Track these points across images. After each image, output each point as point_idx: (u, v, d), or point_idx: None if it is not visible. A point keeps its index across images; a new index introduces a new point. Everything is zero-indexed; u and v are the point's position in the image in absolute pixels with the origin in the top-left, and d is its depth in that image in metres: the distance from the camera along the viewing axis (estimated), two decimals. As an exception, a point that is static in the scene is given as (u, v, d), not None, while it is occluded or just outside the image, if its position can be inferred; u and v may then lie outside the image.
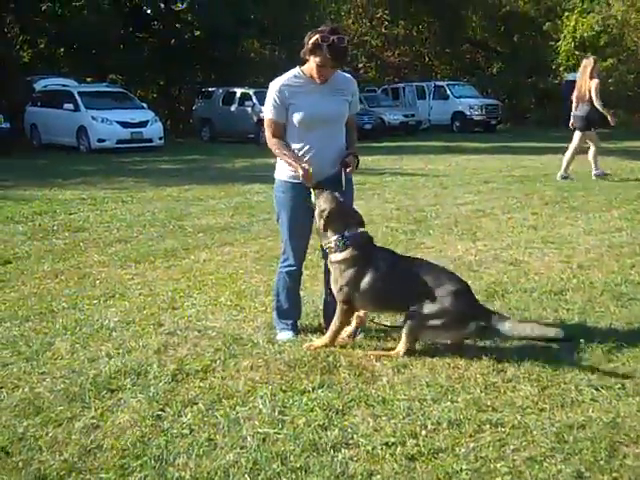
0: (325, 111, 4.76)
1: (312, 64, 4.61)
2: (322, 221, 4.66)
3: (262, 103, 21.74)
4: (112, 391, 4.13)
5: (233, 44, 32.89)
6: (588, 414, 3.76)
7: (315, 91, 4.72)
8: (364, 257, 4.66)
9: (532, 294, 6.00)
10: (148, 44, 34.61)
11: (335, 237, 4.67)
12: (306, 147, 4.78)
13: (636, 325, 5.18)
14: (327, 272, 4.93)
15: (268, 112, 4.82)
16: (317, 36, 4.48)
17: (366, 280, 4.61)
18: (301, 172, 4.61)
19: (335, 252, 4.68)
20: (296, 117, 4.73)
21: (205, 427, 3.69)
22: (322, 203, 4.66)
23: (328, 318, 4.97)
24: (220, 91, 28.89)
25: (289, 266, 5.07)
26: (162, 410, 3.87)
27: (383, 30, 45.33)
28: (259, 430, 3.63)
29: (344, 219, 4.70)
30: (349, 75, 5.02)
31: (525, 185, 13.27)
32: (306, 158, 4.73)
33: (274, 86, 4.75)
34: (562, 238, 8.32)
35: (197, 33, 34.60)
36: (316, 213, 4.70)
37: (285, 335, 5.06)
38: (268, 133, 4.85)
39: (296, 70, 4.78)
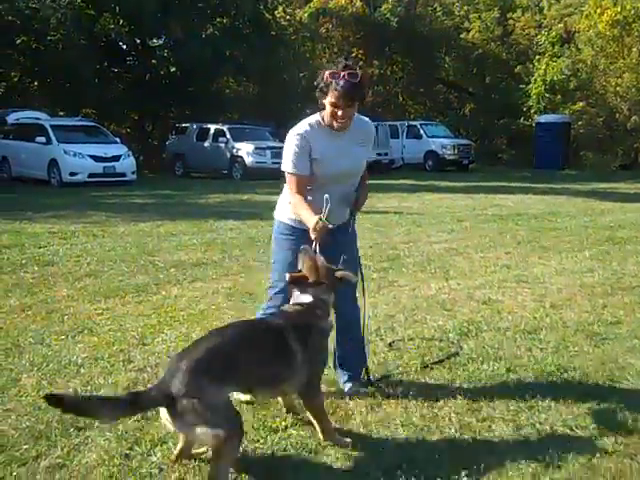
0: (347, 167, 4.42)
1: (327, 107, 4.20)
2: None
3: (236, 139, 21.60)
4: (79, 429, 4.02)
5: (208, 80, 33.09)
6: (564, 455, 3.72)
7: (335, 142, 4.31)
8: None
9: (506, 333, 5.99)
10: (123, 79, 34.68)
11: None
12: (322, 198, 4.15)
13: (609, 365, 5.16)
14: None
15: (289, 165, 4.29)
16: (327, 73, 4.13)
17: None
18: (314, 225, 4.07)
19: None
20: (317, 171, 4.31)
21: (175, 467, 3.60)
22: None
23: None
24: (194, 127, 28.95)
25: (274, 307, 4.47)
26: (131, 449, 3.78)
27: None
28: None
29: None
30: (367, 119, 4.57)
31: (498, 224, 13.35)
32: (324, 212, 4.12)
33: (294, 135, 4.29)
34: (535, 277, 8.35)
35: (172, 69, 34.72)
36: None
37: None
38: (291, 188, 4.32)
39: (316, 116, 4.35)
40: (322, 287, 3.93)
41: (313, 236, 4.10)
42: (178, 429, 3.22)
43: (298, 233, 4.38)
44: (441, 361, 5.26)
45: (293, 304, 3.96)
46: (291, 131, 4.34)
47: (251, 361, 3.49)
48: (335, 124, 4.24)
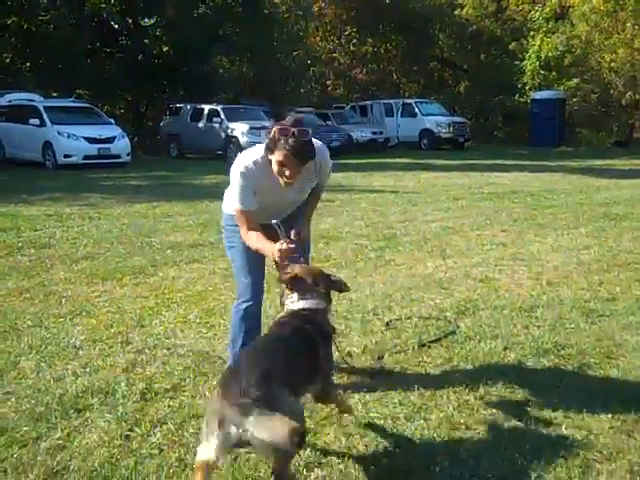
0: (289, 204, 4.28)
1: (274, 165, 3.84)
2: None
3: (230, 119, 21.49)
4: (79, 411, 4.04)
5: (202, 60, 32.86)
6: (561, 431, 3.75)
7: (277, 186, 3.96)
8: None
9: (503, 311, 6.01)
10: (115, 59, 34.44)
11: None
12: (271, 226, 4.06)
13: (606, 341, 5.19)
14: None
15: (237, 201, 4.03)
16: (276, 128, 3.76)
17: None
18: (278, 253, 3.80)
19: None
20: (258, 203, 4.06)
21: (175, 447, 3.62)
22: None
23: None
24: (188, 107, 28.82)
25: (246, 302, 4.31)
26: (131, 430, 3.79)
27: (351, 48, 45.65)
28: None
29: None
30: (319, 145, 4.09)
31: (494, 202, 13.36)
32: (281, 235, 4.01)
33: (238, 172, 4.01)
34: (531, 255, 8.36)
35: (165, 49, 34.51)
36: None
37: None
38: (242, 224, 4.06)
39: (261, 154, 3.97)
40: (322, 292, 3.76)
41: (281, 261, 3.83)
42: (255, 442, 2.84)
43: None
44: (438, 339, 5.27)
45: (306, 308, 3.67)
46: (235, 166, 4.05)
47: (299, 367, 3.32)
48: (282, 181, 3.90)
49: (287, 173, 3.83)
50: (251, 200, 4.00)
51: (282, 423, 2.72)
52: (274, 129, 3.77)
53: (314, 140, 3.96)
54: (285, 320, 3.61)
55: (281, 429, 2.70)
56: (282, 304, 3.81)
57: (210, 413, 2.94)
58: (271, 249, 3.84)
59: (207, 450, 2.86)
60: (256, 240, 3.98)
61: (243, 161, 4.04)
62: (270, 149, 3.83)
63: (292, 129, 3.72)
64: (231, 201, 4.14)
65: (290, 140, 3.71)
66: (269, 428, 2.75)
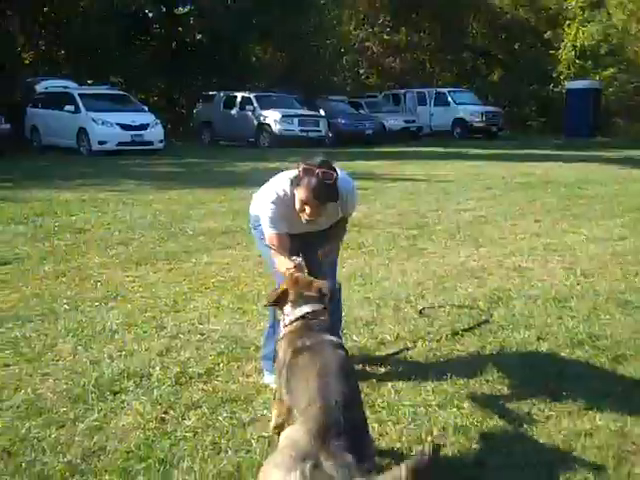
0: (311, 235, 4.23)
1: (297, 201, 3.84)
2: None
3: (263, 107, 21.50)
4: (115, 393, 4.10)
5: (235, 48, 32.91)
6: (595, 422, 3.73)
7: (300, 221, 3.97)
8: None
9: (536, 301, 5.97)
10: (149, 47, 34.65)
11: None
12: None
13: (641, 333, 5.15)
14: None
15: (271, 226, 4.00)
16: (302, 167, 3.77)
17: None
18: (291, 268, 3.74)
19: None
20: None
21: (209, 430, 3.66)
22: None
23: None
24: (221, 95, 28.89)
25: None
26: (166, 413, 3.85)
27: (385, 36, 45.42)
28: (263, 434, 3.60)
29: None
30: (346, 182, 4.09)
31: (527, 192, 13.25)
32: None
33: (268, 203, 4.01)
34: (565, 245, 8.30)
35: (199, 37, 34.61)
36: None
37: None
38: (275, 244, 3.99)
39: (288, 187, 3.96)
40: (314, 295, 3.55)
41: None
42: None
43: None
44: (471, 328, 5.27)
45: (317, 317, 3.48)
46: (267, 194, 4.06)
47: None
48: (302, 217, 3.90)
49: (307, 211, 3.83)
50: (282, 225, 3.99)
51: None
52: (301, 167, 3.77)
53: (341, 173, 3.96)
54: (315, 339, 3.30)
55: None
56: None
57: (298, 449, 2.59)
58: (287, 265, 3.77)
59: None
60: (282, 260, 3.86)
61: (274, 189, 4.04)
62: (295, 184, 3.83)
63: (317, 170, 3.71)
64: (266, 225, 4.04)
65: (313, 180, 3.70)
66: None
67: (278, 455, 2.65)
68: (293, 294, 3.50)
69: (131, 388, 4.17)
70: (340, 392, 2.82)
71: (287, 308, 3.50)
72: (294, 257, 3.85)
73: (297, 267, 3.72)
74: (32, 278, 6.76)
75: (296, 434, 2.70)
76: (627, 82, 37.12)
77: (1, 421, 3.72)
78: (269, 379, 4.26)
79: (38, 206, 10.95)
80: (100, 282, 6.65)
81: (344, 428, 2.64)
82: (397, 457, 3.37)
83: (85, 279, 6.75)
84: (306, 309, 3.45)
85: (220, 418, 3.79)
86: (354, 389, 3.00)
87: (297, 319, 3.43)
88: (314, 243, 4.19)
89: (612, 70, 36.26)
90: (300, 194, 3.78)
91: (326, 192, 3.75)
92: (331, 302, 3.77)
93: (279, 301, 3.53)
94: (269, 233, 4.02)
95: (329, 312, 3.55)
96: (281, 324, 3.56)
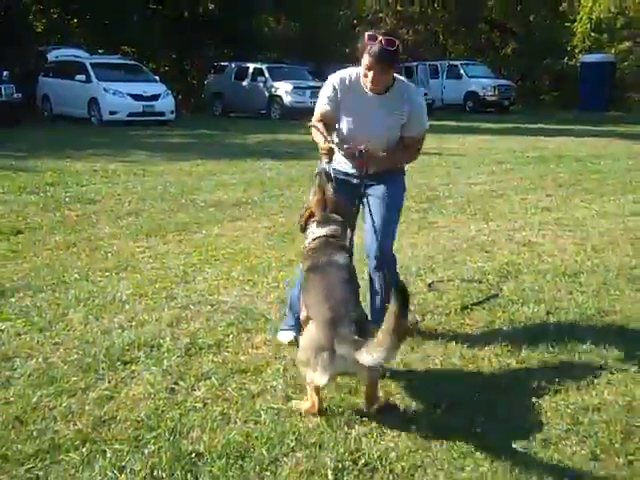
0: (369, 132, 4.26)
1: (362, 68, 4.09)
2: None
3: (274, 79, 21.57)
4: (125, 363, 4.12)
5: (247, 18, 32.70)
6: (603, 397, 3.73)
7: (366, 102, 4.21)
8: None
9: (546, 276, 5.97)
10: (161, 16, 34.39)
11: None
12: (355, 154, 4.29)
13: (651, 309, 5.15)
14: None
15: (318, 106, 4.29)
16: (367, 34, 4.00)
17: None
18: (323, 145, 4.05)
19: None
20: (342, 125, 4.33)
21: (218, 401, 3.68)
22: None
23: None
24: (233, 66, 28.79)
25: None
26: (176, 383, 3.87)
27: (398, 8, 44.95)
28: (272, 405, 3.62)
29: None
30: (413, 88, 4.38)
31: (539, 166, 13.19)
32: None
33: (328, 82, 4.28)
34: (576, 220, 8.27)
35: (211, 6, 34.36)
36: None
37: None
38: (315, 117, 4.26)
39: (358, 69, 4.20)
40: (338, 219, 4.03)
41: (322, 156, 4.13)
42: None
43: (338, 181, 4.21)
44: (480, 302, 5.28)
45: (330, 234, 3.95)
46: (330, 76, 4.32)
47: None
48: (366, 86, 4.16)
49: (370, 77, 4.07)
50: (329, 103, 4.26)
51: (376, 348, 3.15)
52: (365, 35, 4.01)
53: (410, 84, 4.29)
54: (328, 250, 3.88)
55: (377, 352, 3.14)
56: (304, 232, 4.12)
57: (318, 348, 3.35)
58: (320, 140, 4.10)
59: (321, 378, 3.34)
60: (315, 131, 4.20)
61: (335, 75, 4.30)
62: (361, 53, 4.06)
63: (380, 37, 3.95)
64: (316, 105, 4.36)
65: (376, 47, 3.95)
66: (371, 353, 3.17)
67: (301, 353, 3.50)
68: (320, 215, 4.00)
69: (142, 358, 4.19)
70: (343, 296, 3.56)
71: (313, 227, 4.00)
72: (330, 138, 4.15)
73: (329, 150, 4.05)
74: (43, 248, 6.79)
75: (311, 331, 3.50)
76: (642, 56, 36.78)
77: (13, 389, 3.75)
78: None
79: (49, 176, 10.98)
80: (110, 253, 6.67)
81: (350, 319, 3.38)
82: (404, 427, 3.40)
83: (95, 249, 6.78)
84: (326, 231, 3.94)
85: (229, 389, 3.81)
86: (355, 292, 3.72)
87: (317, 238, 3.95)
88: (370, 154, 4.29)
89: (628, 44, 35.92)
90: (364, 60, 4.04)
91: (387, 55, 3.98)
92: (378, 269, 4.39)
93: (307, 222, 4.05)
94: (315, 112, 4.32)
95: (347, 233, 4.06)
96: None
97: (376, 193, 4.45)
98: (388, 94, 4.22)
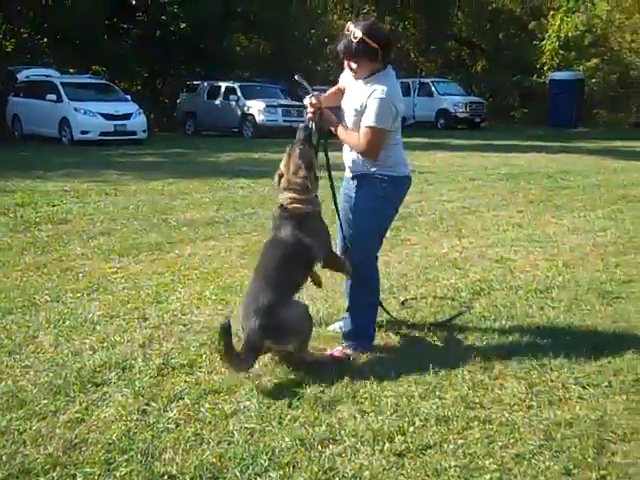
0: (345, 106, 4.67)
1: None
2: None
3: (247, 97, 21.70)
4: (97, 385, 4.08)
5: (219, 37, 32.75)
6: (575, 412, 3.76)
7: (352, 83, 4.62)
8: None
9: (518, 292, 6.01)
10: (133, 35, 34.36)
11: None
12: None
13: (621, 323, 5.19)
14: None
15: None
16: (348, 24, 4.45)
17: None
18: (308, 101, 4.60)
19: None
20: None
21: (191, 422, 3.65)
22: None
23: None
24: (205, 84, 28.80)
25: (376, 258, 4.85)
26: (148, 405, 3.83)
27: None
28: (246, 425, 3.61)
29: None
30: (379, 89, 4.37)
31: (510, 183, 13.31)
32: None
33: None
34: (547, 236, 8.34)
35: (183, 25, 34.37)
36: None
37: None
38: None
39: None
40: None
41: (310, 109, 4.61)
42: None
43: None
44: (451, 319, 5.29)
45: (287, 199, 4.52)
46: None
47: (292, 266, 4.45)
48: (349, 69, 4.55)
49: (345, 63, 4.50)
50: (341, 80, 4.83)
51: None
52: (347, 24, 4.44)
53: (390, 82, 4.44)
54: (276, 223, 4.55)
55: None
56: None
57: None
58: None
59: None
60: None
61: None
62: None
63: (347, 30, 4.35)
64: None
65: (343, 39, 4.37)
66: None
67: None
68: (283, 180, 4.48)
69: (113, 379, 4.15)
70: (258, 285, 4.31)
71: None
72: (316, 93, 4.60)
73: (314, 100, 4.56)
74: (13, 269, 6.72)
75: None
76: (610, 73, 37.30)
77: (-18, 413, 3.71)
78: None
79: (19, 196, 10.87)
80: (82, 273, 6.61)
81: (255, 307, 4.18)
82: (379, 446, 3.39)
83: (67, 270, 6.71)
84: (284, 197, 4.45)
85: (202, 410, 3.79)
86: (274, 281, 4.29)
87: (278, 206, 4.48)
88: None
89: (595, 61, 36.43)
90: None
91: (346, 49, 4.38)
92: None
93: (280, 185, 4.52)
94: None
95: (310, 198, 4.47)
96: None
97: (349, 193, 4.71)
98: (365, 83, 4.47)
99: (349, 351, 4.59)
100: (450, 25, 44.60)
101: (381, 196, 4.59)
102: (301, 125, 4.61)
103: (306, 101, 4.58)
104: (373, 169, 4.58)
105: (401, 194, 4.73)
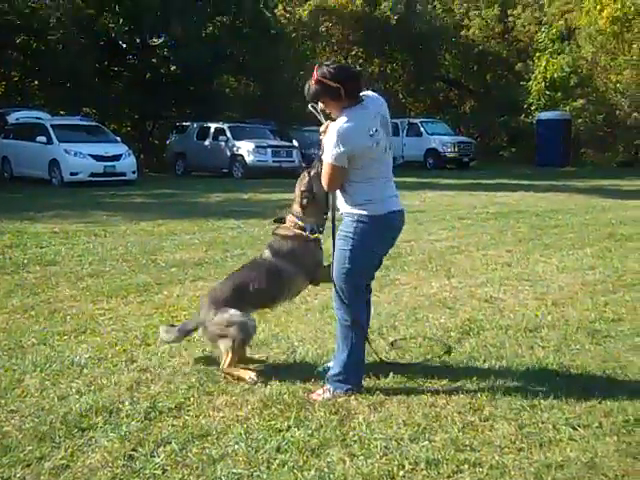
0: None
1: None
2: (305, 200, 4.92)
3: (236, 138, 21.97)
4: (83, 430, 4.03)
5: (208, 79, 33.07)
6: (566, 454, 3.73)
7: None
8: None
9: (507, 331, 5.99)
10: (123, 78, 34.65)
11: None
12: None
13: (611, 363, 5.18)
14: None
15: None
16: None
17: None
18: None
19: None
20: None
21: (179, 467, 3.60)
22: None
23: None
24: (195, 125, 28.97)
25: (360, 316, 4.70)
26: (134, 450, 3.78)
27: (358, 67, 45.81)
28: (233, 470, 3.56)
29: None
30: (333, 125, 4.44)
31: (499, 222, 13.36)
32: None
33: None
34: (536, 275, 8.36)
35: (173, 68, 34.69)
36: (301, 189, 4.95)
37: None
38: None
39: None
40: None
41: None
42: None
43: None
44: (430, 360, 5.28)
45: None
46: None
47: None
48: None
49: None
50: None
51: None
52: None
53: (350, 115, 4.37)
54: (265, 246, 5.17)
55: None
56: None
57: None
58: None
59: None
60: None
61: None
62: None
63: (314, 75, 4.42)
64: None
65: (307, 83, 4.51)
66: None
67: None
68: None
69: (100, 424, 4.10)
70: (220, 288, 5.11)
71: None
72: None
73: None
74: (0, 312, 6.66)
75: None
76: (596, 113, 37.70)
77: (-35, 460, 3.65)
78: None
79: (7, 238, 10.85)
80: (70, 315, 6.57)
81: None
82: (368, 492, 3.35)
83: (54, 312, 6.67)
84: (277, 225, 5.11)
85: (190, 454, 3.74)
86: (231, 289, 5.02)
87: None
88: None
89: (582, 101, 36.85)
90: None
91: (307, 91, 4.51)
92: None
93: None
94: None
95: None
96: None
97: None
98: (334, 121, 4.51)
99: (331, 393, 4.53)
100: (438, 66, 45.28)
101: (352, 237, 4.54)
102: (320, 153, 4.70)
103: (321, 129, 4.65)
104: (348, 208, 4.57)
105: (384, 232, 4.67)
